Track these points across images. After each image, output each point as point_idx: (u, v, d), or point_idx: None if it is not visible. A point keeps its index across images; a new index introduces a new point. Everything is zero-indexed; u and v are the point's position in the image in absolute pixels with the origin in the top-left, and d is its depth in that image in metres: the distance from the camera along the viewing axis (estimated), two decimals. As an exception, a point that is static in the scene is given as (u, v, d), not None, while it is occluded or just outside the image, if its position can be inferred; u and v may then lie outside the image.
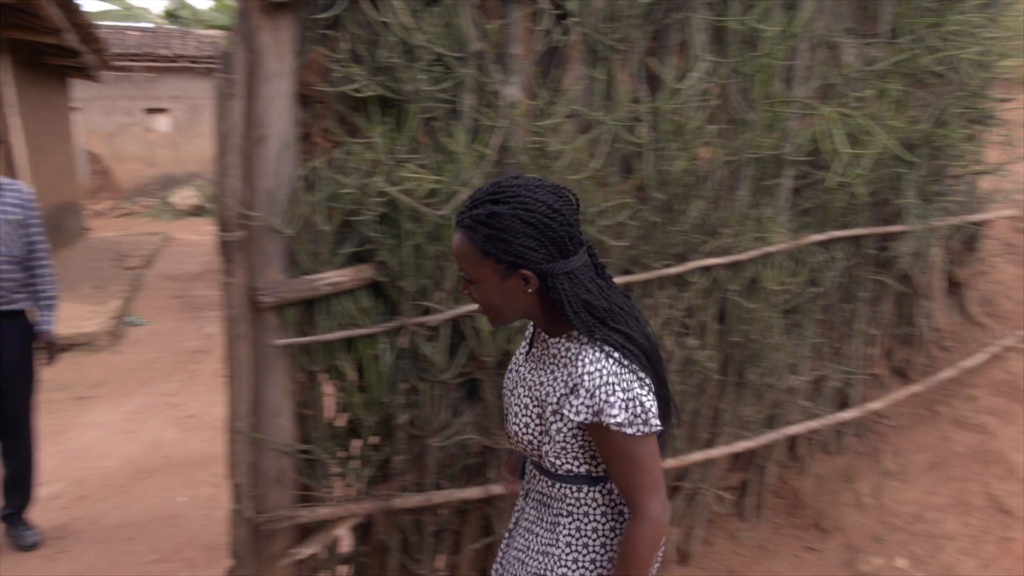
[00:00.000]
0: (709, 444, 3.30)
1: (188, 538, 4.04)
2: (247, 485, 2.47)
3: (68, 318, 7.53)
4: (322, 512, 2.52)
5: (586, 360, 1.51)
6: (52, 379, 6.52)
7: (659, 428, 1.51)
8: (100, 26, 11.03)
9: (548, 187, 1.51)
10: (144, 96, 18.56)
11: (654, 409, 1.51)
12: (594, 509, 1.65)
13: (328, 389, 2.58)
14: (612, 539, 1.66)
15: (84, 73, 12.68)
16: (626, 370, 1.50)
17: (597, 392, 1.49)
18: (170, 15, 22.55)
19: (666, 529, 1.55)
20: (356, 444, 2.65)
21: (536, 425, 1.61)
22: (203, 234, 15.80)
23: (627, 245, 2.82)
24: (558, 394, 1.56)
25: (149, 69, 18.07)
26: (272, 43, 2.23)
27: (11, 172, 8.64)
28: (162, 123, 19.02)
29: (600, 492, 1.65)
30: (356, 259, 2.47)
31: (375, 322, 2.48)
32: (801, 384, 3.48)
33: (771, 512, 3.72)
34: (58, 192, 11.74)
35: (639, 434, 1.49)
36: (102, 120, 18.52)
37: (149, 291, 10.15)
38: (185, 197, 18.08)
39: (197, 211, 18.03)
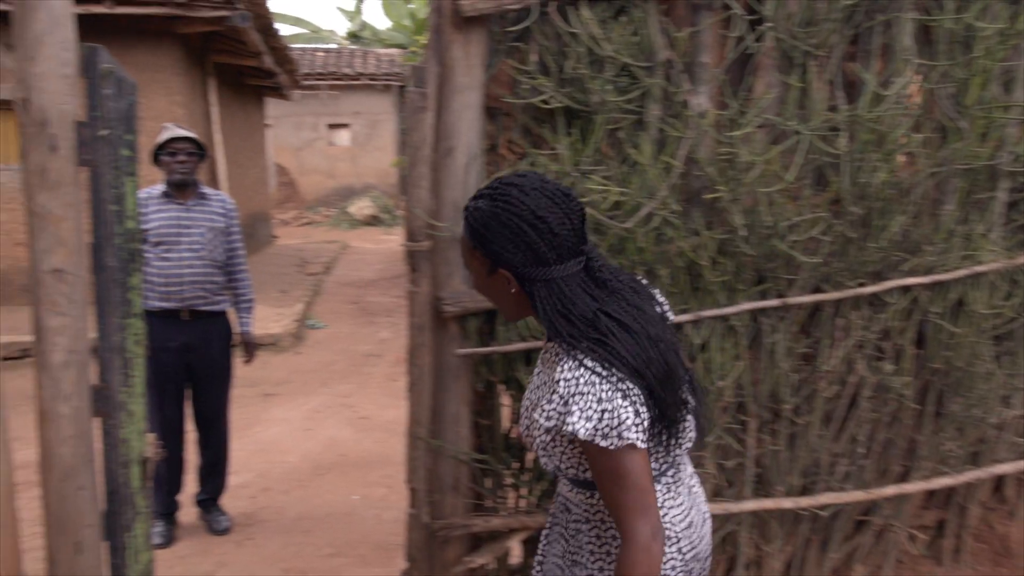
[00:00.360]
0: (902, 478, 3.04)
1: (361, 535, 4.19)
2: (424, 490, 2.51)
3: (258, 319, 8.09)
4: (495, 522, 2.53)
5: (564, 367, 1.45)
6: (243, 376, 6.99)
7: (634, 442, 1.39)
8: (291, 48, 11.85)
9: (546, 191, 1.45)
10: (328, 112, 19.76)
11: (632, 422, 1.39)
12: (608, 516, 1.54)
13: (505, 400, 2.59)
14: None
15: (277, 92, 13.66)
16: (603, 380, 1.40)
17: (568, 400, 1.42)
18: (353, 36, 23.90)
19: (659, 555, 1.38)
20: (530, 456, 2.65)
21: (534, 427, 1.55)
22: (377, 243, 16.58)
23: (819, 262, 2.65)
24: (543, 398, 1.50)
25: (333, 87, 19.23)
26: (463, 57, 2.27)
27: (214, 184, 9.43)
28: (343, 138, 20.16)
29: None
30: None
31: (554, 334, 2.46)
32: (1014, 419, 3.14)
33: (972, 558, 3.38)
34: (252, 203, 12.68)
35: (613, 447, 1.39)
36: (290, 135, 19.88)
37: (328, 296, 10.75)
38: (362, 207, 19.04)
39: (372, 221, 18.93)
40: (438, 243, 2.37)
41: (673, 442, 1.52)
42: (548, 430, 1.49)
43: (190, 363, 4.04)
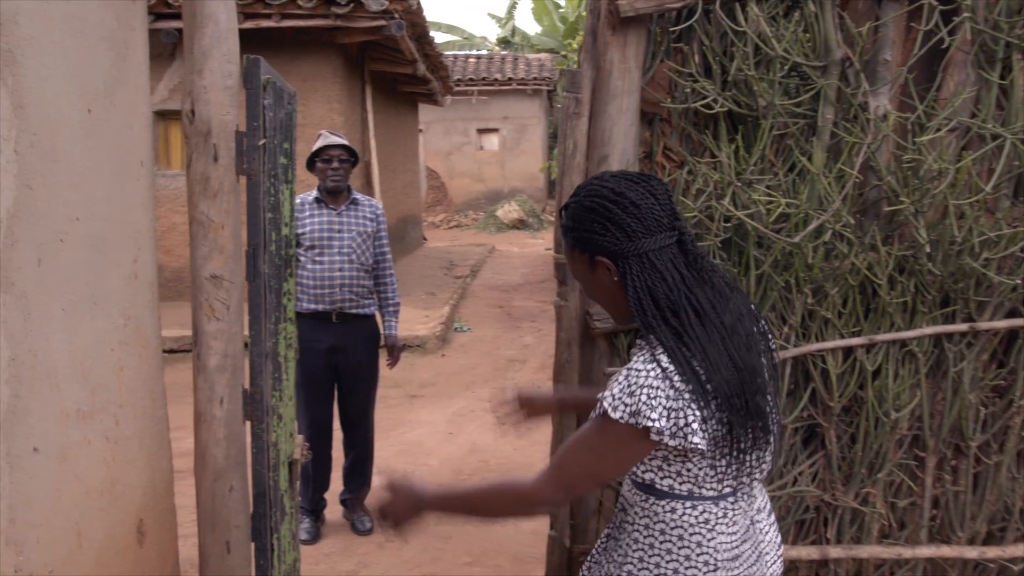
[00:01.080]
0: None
1: (498, 545, 4.14)
2: (565, 513, 2.41)
3: (404, 321, 8.27)
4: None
5: (637, 359, 1.40)
6: (389, 376, 7.13)
7: (646, 426, 1.34)
8: (443, 55, 12.10)
9: (625, 176, 1.47)
10: (478, 118, 20.10)
11: (666, 419, 1.34)
12: (654, 523, 1.48)
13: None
14: (667, 562, 1.47)
15: (430, 98, 14.01)
16: (667, 383, 1.35)
17: (634, 391, 1.36)
18: (504, 41, 24.22)
19: (535, 514, 1.48)
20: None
21: None
22: (524, 247, 16.68)
23: (1017, 283, 2.34)
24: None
25: (483, 92, 19.55)
26: (619, 60, 2.15)
27: (368, 188, 9.75)
28: (492, 142, 20.46)
29: (661, 507, 1.47)
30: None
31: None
32: None
33: None
34: (403, 206, 13.05)
35: (616, 418, 1.36)
36: (441, 140, 20.38)
37: (473, 299, 10.87)
38: (509, 211, 19.23)
39: (519, 225, 19.08)
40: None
41: (745, 465, 1.44)
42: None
43: (338, 364, 4.13)
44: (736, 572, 1.47)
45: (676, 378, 1.34)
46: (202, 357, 2.28)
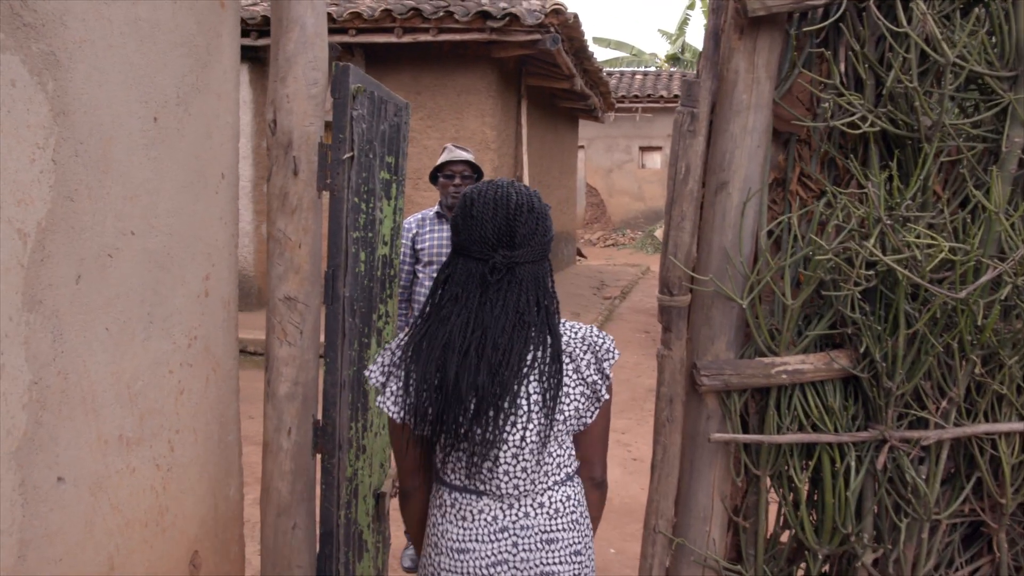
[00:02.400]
0: None
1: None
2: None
3: (544, 341, 8.04)
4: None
5: None
6: (522, 398, 6.94)
7: (365, 375, 1.69)
8: (608, 72, 11.85)
9: (495, 191, 1.57)
10: (640, 135, 19.69)
11: (380, 367, 1.63)
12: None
13: (772, 498, 2.06)
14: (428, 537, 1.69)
15: (590, 115, 13.79)
16: (405, 338, 1.61)
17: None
18: (673, 58, 23.66)
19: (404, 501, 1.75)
20: (799, 574, 2.08)
21: None
22: (678, 269, 16.03)
23: None
24: None
25: (647, 109, 19.11)
26: (747, 69, 1.80)
27: (517, 203, 9.63)
28: (655, 160, 19.97)
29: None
30: (827, 344, 1.90)
31: (844, 428, 1.88)
32: None
33: None
34: (557, 223, 12.88)
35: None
36: (602, 157, 20.12)
37: (620, 322, 10.51)
38: (666, 232, 18.60)
39: (676, 246, 18.39)
40: (699, 299, 1.91)
41: (482, 464, 1.55)
42: None
43: None
44: (464, 565, 1.59)
45: (397, 344, 1.63)
46: (272, 383, 2.13)
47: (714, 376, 1.86)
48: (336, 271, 2.15)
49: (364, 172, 2.31)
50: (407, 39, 8.08)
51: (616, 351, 1.61)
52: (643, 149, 20.05)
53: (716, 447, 1.96)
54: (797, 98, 1.90)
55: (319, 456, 2.25)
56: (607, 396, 1.61)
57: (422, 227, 3.88)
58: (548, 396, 1.52)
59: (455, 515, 1.60)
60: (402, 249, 3.81)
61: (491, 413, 1.50)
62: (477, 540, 1.58)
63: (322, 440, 2.21)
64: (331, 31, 8.18)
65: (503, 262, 1.52)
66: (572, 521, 1.62)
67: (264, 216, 9.13)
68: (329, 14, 8.07)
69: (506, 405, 1.50)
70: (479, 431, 1.50)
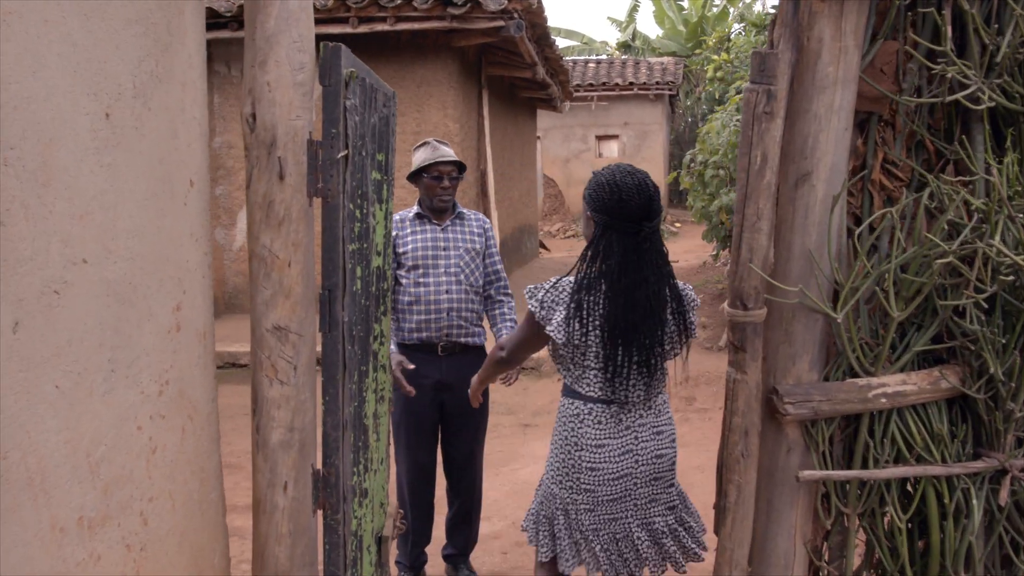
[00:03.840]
0: None
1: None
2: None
3: (519, 341, 7.73)
4: None
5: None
6: (501, 402, 6.64)
7: (529, 310, 2.15)
8: (564, 59, 11.54)
9: (634, 176, 2.03)
10: (596, 124, 19.46)
11: (539, 305, 2.12)
12: (558, 414, 2.24)
13: (860, 537, 1.77)
14: (557, 441, 2.20)
15: (548, 104, 13.48)
16: (568, 283, 2.12)
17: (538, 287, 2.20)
18: (624, 46, 23.48)
19: (501, 365, 2.52)
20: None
21: None
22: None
23: None
24: None
25: (602, 98, 18.89)
26: (832, 36, 1.50)
27: (484, 197, 9.30)
28: (612, 149, 19.76)
29: (560, 403, 2.22)
30: (931, 360, 1.62)
31: (954, 458, 1.60)
32: None
33: None
34: (519, 216, 12.57)
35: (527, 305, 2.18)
36: (558, 147, 19.84)
37: (591, 316, 10.22)
38: (627, 221, 18.45)
39: (637, 235, 18.27)
40: (776, 312, 1.61)
41: (617, 383, 2.03)
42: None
43: (444, 402, 3.60)
44: (599, 457, 2.06)
45: (562, 286, 2.09)
46: (262, 430, 1.77)
47: (800, 403, 1.57)
48: (334, 292, 1.80)
49: (358, 173, 1.96)
50: (363, 29, 7.66)
51: (698, 300, 2.20)
52: (600, 138, 19.82)
53: (800, 485, 1.66)
54: (882, 71, 1.61)
55: (320, 512, 1.90)
56: (695, 334, 2.16)
57: (402, 228, 3.52)
58: (673, 332, 2.08)
59: (592, 420, 2.07)
60: None
61: (647, 341, 2.00)
62: (610, 437, 2.06)
63: (324, 493, 1.86)
64: (337, 20, 7.70)
65: (647, 232, 1.99)
66: (668, 418, 2.16)
67: (218, 219, 8.64)
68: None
69: (658, 343, 2.03)
70: (637, 357, 2.01)
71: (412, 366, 3.39)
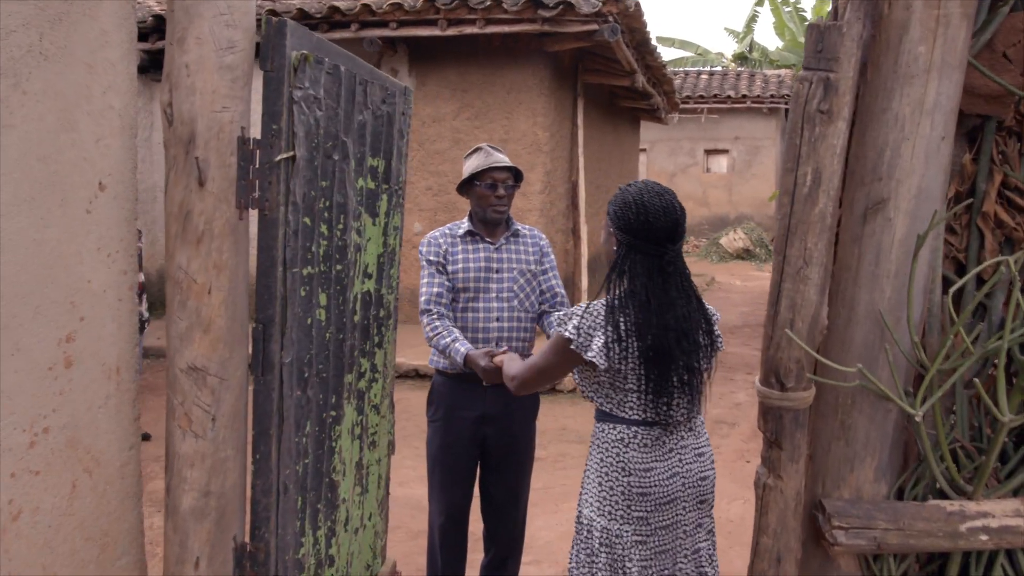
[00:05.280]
0: None
1: None
2: None
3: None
4: None
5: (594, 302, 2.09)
6: (572, 429, 6.23)
7: (566, 336, 2.00)
8: (673, 72, 10.99)
9: (662, 196, 1.99)
10: (706, 137, 18.73)
11: (576, 332, 2.00)
12: (597, 441, 2.12)
13: None
14: (601, 466, 2.08)
15: (653, 115, 12.93)
16: (600, 307, 2.01)
17: (575, 312, 2.06)
18: (740, 57, 22.57)
19: (510, 388, 2.36)
20: None
21: None
22: (747, 279, 15.10)
23: None
24: None
25: (713, 110, 18.14)
26: (926, 3, 1.02)
27: (574, 210, 8.88)
28: (721, 164, 18.98)
29: (599, 428, 2.12)
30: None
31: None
32: None
33: None
34: (614, 230, 12.05)
35: (557, 330, 2.06)
36: (665, 160, 19.20)
37: (683, 340, 9.62)
38: (733, 239, 17.66)
39: (744, 255, 17.47)
40: (829, 396, 1.14)
41: (660, 404, 2.00)
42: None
43: (486, 437, 3.22)
44: (648, 482, 2.01)
45: (595, 310, 2.02)
46: (172, 492, 1.42)
47: (858, 530, 1.09)
48: (269, 327, 1.44)
49: (324, 180, 1.61)
50: (452, 31, 7.40)
51: (719, 313, 2.17)
52: (708, 152, 19.06)
53: (855, 636, 1.18)
54: (1004, 55, 1.12)
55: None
56: (722, 346, 2.11)
57: (452, 246, 3.15)
58: (708, 353, 2.04)
59: (637, 443, 2.01)
60: (432, 267, 3.15)
61: (683, 362, 1.97)
62: (657, 460, 2.01)
63: (251, 570, 1.50)
64: (371, 24, 7.57)
65: (671, 255, 1.98)
66: (707, 439, 2.11)
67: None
68: (368, 5, 7.46)
69: (695, 363, 1.99)
70: (675, 378, 1.97)
71: (503, 349, 3.09)
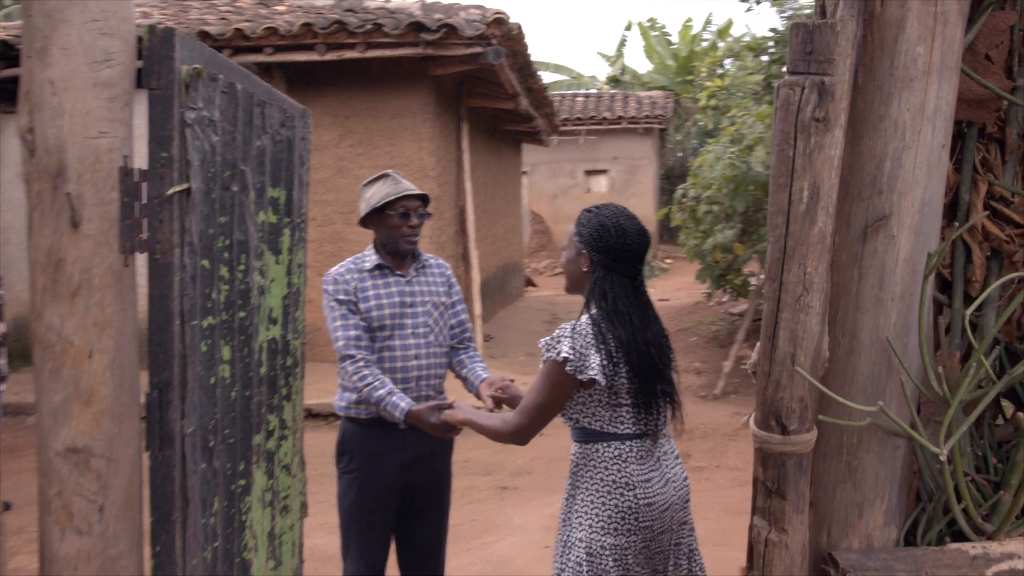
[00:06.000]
0: None
1: None
2: None
3: (499, 391, 7.12)
4: None
5: (577, 321, 2.09)
6: (477, 461, 6.04)
7: (562, 358, 1.98)
8: (549, 91, 11.07)
9: (634, 221, 2.12)
10: (585, 158, 19.06)
11: (572, 352, 1.98)
12: (588, 462, 2.12)
13: None
14: (602, 486, 2.09)
15: (535, 138, 13.02)
16: (587, 326, 2.01)
17: (556, 335, 2.05)
18: (613, 80, 23.20)
19: (507, 443, 2.20)
20: None
21: None
22: (633, 297, 15.30)
23: None
24: None
25: (591, 132, 18.50)
26: (920, 1, 0.92)
27: (463, 235, 8.74)
28: (601, 184, 19.34)
29: (591, 448, 2.12)
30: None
31: None
32: None
33: None
34: (503, 254, 12.02)
35: (544, 358, 2.04)
36: (547, 182, 19.40)
37: (579, 360, 9.63)
38: (617, 258, 17.96)
39: (627, 272, 17.79)
40: (832, 436, 1.02)
41: (650, 416, 2.08)
42: None
43: (408, 484, 2.98)
44: (649, 491, 2.07)
45: (584, 330, 2.02)
46: (50, 605, 1.17)
47: (876, 584, 0.97)
48: (166, 392, 1.21)
49: (223, 215, 1.39)
50: (331, 56, 7.15)
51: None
52: (588, 173, 19.39)
53: None
54: (986, 56, 1.04)
55: None
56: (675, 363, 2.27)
57: (361, 282, 2.91)
58: (673, 363, 2.18)
59: (635, 457, 2.07)
60: (343, 307, 2.89)
61: (665, 372, 2.12)
62: (652, 470, 2.09)
63: None
64: (245, 50, 7.20)
65: (641, 275, 2.13)
66: (673, 443, 2.22)
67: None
68: (241, 30, 7.10)
69: (671, 374, 2.15)
70: (662, 387, 2.11)
71: (449, 401, 2.83)
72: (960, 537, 1.03)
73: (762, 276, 8.22)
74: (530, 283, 14.98)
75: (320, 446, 5.01)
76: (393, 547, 3.12)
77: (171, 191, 1.17)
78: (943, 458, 0.95)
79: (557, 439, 6.79)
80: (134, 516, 1.23)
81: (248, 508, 1.55)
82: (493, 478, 5.90)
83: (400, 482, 2.94)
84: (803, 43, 0.97)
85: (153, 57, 1.17)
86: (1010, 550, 0.99)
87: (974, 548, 1.00)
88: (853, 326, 1.01)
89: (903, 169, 0.96)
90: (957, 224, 1.11)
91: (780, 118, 0.97)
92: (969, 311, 0.98)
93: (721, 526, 4.72)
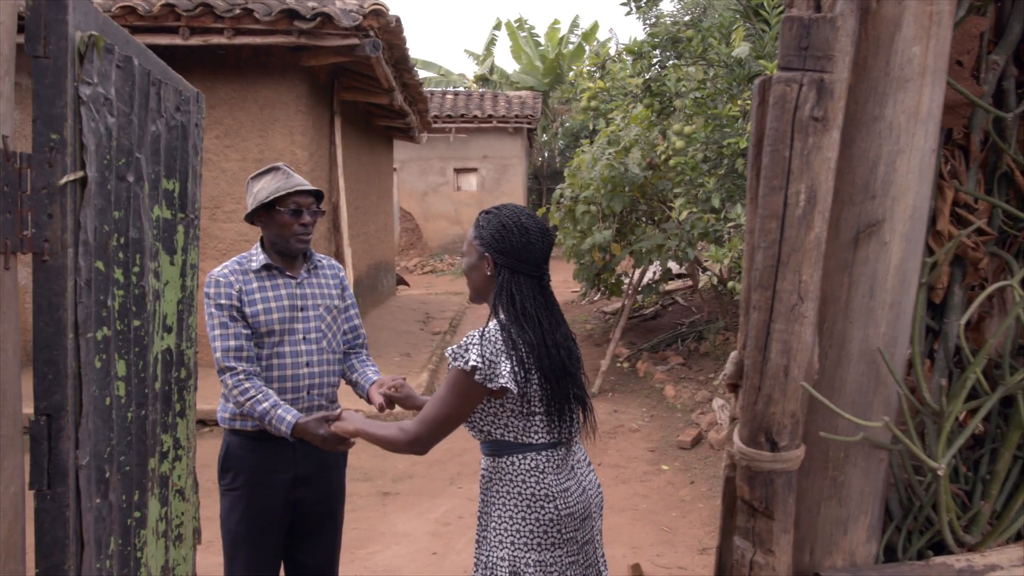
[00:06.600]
0: None
1: None
2: None
3: (377, 393, 6.92)
4: None
5: (485, 327, 1.98)
6: (356, 467, 5.84)
7: (471, 366, 1.90)
8: (423, 86, 10.92)
9: (535, 220, 2.05)
10: (455, 156, 19.00)
11: (481, 360, 1.90)
12: (503, 476, 2.04)
13: None
14: (521, 501, 2.02)
15: (406, 134, 12.81)
16: (495, 331, 1.94)
17: (470, 343, 1.94)
18: (482, 79, 23.24)
19: (404, 453, 2.06)
20: None
21: None
22: (504, 296, 15.35)
23: None
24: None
25: (461, 130, 18.45)
26: (920, 2, 0.89)
27: (336, 233, 8.45)
28: (470, 182, 19.32)
29: (504, 462, 2.05)
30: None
31: None
32: None
33: None
34: (376, 252, 11.75)
35: (451, 367, 1.94)
36: (416, 179, 19.20)
37: (455, 360, 9.54)
38: (488, 256, 18.01)
39: (498, 271, 17.86)
40: (823, 450, 0.97)
41: (563, 423, 2.04)
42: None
43: (299, 501, 2.78)
44: (568, 500, 2.03)
45: (493, 336, 1.95)
46: None
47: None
48: (57, 418, 1.02)
49: (118, 209, 1.20)
50: (196, 41, 6.71)
51: None
52: (458, 171, 19.34)
53: None
54: (958, 62, 1.02)
55: None
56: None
57: (246, 284, 2.67)
58: (581, 365, 2.15)
59: (551, 467, 2.03)
60: (224, 314, 2.65)
61: (576, 377, 2.08)
62: (568, 479, 2.06)
63: None
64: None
65: (547, 275, 2.10)
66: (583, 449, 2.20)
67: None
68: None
69: (581, 377, 2.12)
70: (574, 391, 2.07)
71: (338, 411, 2.60)
72: (940, 550, 1.01)
73: (636, 275, 8.42)
74: (402, 282, 14.75)
75: (203, 457, 4.66)
76: (282, 571, 2.92)
77: (65, 180, 0.99)
78: (941, 472, 0.92)
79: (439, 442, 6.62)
80: (16, 568, 1.03)
81: (144, 543, 1.36)
82: (374, 484, 5.72)
83: (290, 499, 2.74)
84: (797, 38, 0.92)
85: (40, 19, 0.98)
86: (992, 561, 0.99)
87: (959, 561, 0.98)
88: (842, 336, 0.97)
89: (897, 174, 0.93)
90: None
91: (775, 116, 0.91)
92: (964, 318, 0.96)
93: (605, 524, 4.75)
